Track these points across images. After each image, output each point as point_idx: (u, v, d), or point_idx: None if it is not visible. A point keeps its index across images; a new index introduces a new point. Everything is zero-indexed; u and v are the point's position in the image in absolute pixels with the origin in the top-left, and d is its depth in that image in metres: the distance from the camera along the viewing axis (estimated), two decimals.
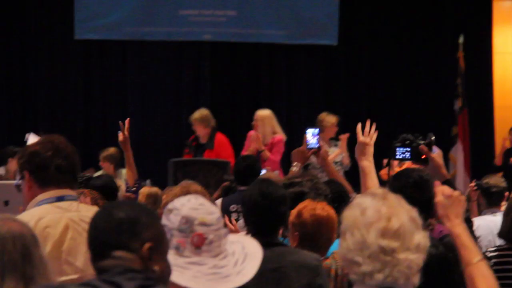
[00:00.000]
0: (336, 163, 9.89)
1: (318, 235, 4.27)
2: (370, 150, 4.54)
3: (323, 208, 4.35)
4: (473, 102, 12.44)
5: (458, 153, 12.02)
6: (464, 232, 3.07)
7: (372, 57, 13.19)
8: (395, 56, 13.13)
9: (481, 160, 12.19)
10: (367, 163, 4.55)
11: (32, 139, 7.61)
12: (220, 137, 9.90)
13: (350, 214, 2.80)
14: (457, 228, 3.09)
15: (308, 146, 5.54)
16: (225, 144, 9.86)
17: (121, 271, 2.47)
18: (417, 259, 2.74)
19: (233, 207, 6.84)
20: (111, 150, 9.95)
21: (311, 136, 5.54)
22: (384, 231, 2.73)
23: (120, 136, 6.19)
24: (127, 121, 6.20)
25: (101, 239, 2.47)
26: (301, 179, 4.75)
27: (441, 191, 3.08)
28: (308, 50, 13.06)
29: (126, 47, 12.78)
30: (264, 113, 9.92)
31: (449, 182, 3.92)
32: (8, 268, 2.77)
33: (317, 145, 5.53)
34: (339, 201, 4.80)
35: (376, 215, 2.76)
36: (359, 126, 4.62)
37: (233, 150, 9.90)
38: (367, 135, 4.60)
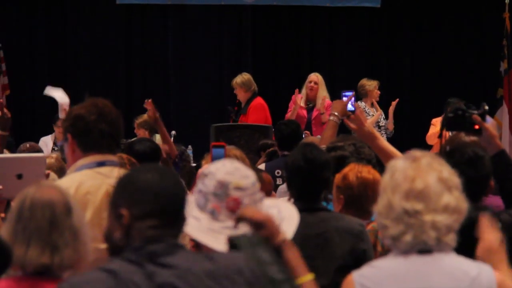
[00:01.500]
0: (380, 127, 9.89)
1: (364, 198, 4.24)
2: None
3: (368, 171, 4.33)
4: None
5: (504, 115, 11.81)
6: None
7: (415, 18, 13.03)
8: (439, 17, 12.95)
9: None
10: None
11: (53, 92, 7.56)
12: (254, 102, 9.84)
13: (383, 177, 2.82)
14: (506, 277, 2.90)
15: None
16: (255, 108, 9.79)
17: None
18: (445, 219, 2.71)
19: (278, 172, 6.83)
20: (145, 116, 9.97)
21: (346, 99, 5.48)
22: (407, 193, 2.73)
23: (150, 116, 6.15)
24: (149, 103, 6.13)
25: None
26: (344, 143, 4.70)
27: (483, 244, 2.99)
28: (350, 12, 12.93)
29: (167, 11, 12.75)
30: (319, 77, 9.94)
31: (503, 153, 3.83)
32: (35, 235, 2.78)
33: (352, 108, 5.46)
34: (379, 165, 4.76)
35: (402, 177, 2.76)
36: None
37: (266, 115, 9.82)
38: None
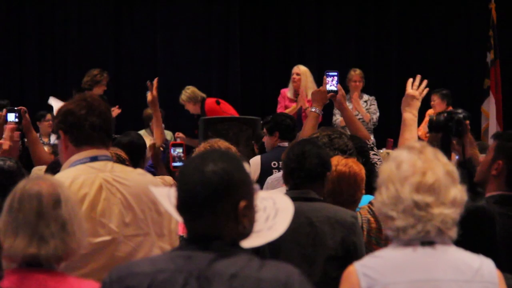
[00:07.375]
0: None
1: (339, 192, 4.26)
2: (417, 104, 4.51)
3: (346, 164, 4.32)
4: (505, 54, 12.28)
5: (491, 106, 11.88)
6: None
7: (403, 8, 13.05)
8: (426, 7, 12.98)
9: None
10: (410, 115, 4.53)
11: (54, 102, 7.67)
12: (207, 107, 10.00)
13: (386, 168, 2.80)
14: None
15: (328, 89, 5.56)
16: (211, 112, 9.89)
17: (194, 238, 2.48)
18: (452, 213, 2.73)
19: (274, 164, 6.86)
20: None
21: (330, 79, 5.55)
22: (418, 185, 2.72)
23: (149, 96, 6.16)
24: (155, 81, 6.15)
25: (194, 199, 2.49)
26: (319, 133, 4.74)
27: None
28: (338, 2, 12.96)
29: (155, 4, 12.76)
30: (305, 69, 9.91)
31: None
32: (22, 226, 2.82)
33: (335, 89, 5.54)
34: (362, 156, 4.79)
35: (411, 169, 2.75)
36: (409, 80, 4.56)
37: (221, 112, 9.95)
38: (416, 89, 4.55)
